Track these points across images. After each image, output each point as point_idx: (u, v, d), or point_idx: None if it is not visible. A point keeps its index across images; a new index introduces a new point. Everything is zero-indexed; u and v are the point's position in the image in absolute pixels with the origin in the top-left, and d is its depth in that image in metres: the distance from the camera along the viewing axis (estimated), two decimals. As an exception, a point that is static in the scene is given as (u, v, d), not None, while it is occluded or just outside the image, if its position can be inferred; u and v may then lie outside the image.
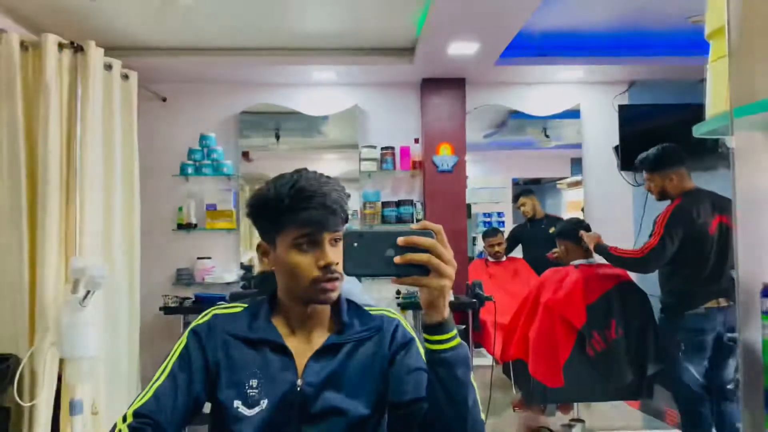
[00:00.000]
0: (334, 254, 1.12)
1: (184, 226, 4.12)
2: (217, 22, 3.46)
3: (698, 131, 0.92)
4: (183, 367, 1.14)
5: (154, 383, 1.13)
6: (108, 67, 3.09)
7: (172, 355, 1.17)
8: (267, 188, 1.16)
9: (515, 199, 4.58)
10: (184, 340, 1.18)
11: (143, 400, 1.10)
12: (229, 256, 4.22)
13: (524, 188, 4.66)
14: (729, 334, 2.81)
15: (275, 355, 1.15)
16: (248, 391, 1.12)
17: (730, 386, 2.99)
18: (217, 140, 4.18)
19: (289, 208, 1.11)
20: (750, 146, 0.82)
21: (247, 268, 4.18)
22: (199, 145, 4.14)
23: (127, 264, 3.23)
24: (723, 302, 2.90)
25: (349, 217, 1.21)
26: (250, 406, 1.11)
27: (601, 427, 3.95)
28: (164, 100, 4.22)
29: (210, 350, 1.15)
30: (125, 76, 3.29)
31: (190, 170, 4.11)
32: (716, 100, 0.85)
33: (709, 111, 0.87)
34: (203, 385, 1.14)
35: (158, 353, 3.43)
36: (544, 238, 4.16)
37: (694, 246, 2.95)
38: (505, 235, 4.52)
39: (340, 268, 1.10)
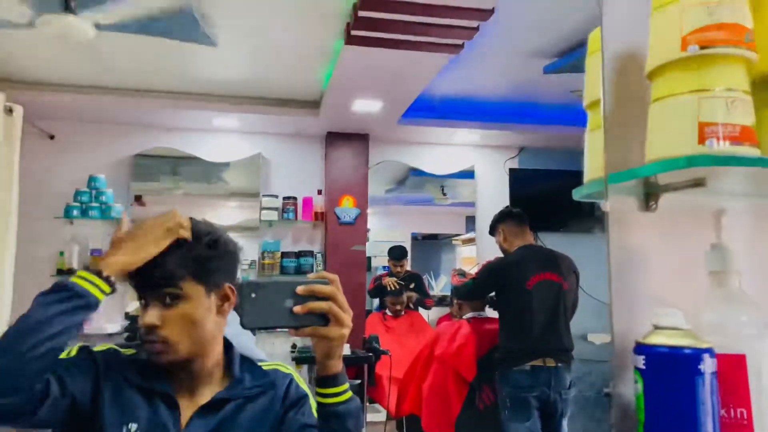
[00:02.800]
0: (158, 315, 1.05)
1: (65, 272, 3.81)
2: (116, 61, 3.32)
3: (576, 195, 0.97)
4: (70, 370, 1.04)
5: None
6: (-12, 99, 2.88)
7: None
8: None
9: (398, 257, 4.58)
10: (72, 352, 1.09)
11: None
12: (113, 306, 3.92)
13: (402, 250, 4.66)
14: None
15: (162, 406, 1.09)
16: None
17: None
18: (108, 183, 3.95)
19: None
20: (623, 210, 0.87)
21: (132, 319, 3.90)
22: (87, 187, 3.89)
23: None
24: (550, 362, 2.91)
25: (219, 271, 1.12)
26: None
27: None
28: (52, 137, 3.96)
29: (97, 377, 1.07)
30: (9, 110, 3.06)
31: (75, 212, 3.84)
32: (593, 166, 0.90)
33: (587, 176, 0.92)
34: (80, 402, 1.03)
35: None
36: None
37: (512, 298, 3.03)
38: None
39: (165, 331, 1.05)
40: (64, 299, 0.98)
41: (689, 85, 0.74)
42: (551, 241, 4.04)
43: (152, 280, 1.05)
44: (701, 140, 0.72)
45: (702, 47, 0.73)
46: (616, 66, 0.87)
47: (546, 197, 4.51)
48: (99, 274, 1.01)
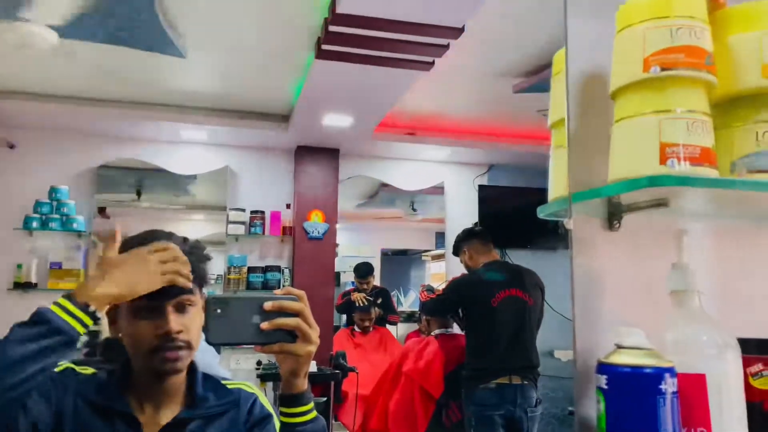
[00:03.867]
0: (179, 321, 1.04)
1: (22, 285, 3.68)
2: (80, 70, 3.25)
3: (541, 212, 0.97)
4: (30, 395, 0.95)
5: None
6: (-55, 105, 2.78)
7: None
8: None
9: (364, 275, 4.56)
10: None
11: None
12: (72, 320, 3.80)
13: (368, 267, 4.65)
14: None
15: (123, 426, 1.05)
16: None
17: None
18: (71, 194, 3.85)
19: None
20: (587, 229, 0.88)
21: (93, 334, 3.79)
22: (48, 198, 3.78)
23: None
24: (516, 379, 2.90)
25: (209, 279, 1.15)
26: None
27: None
28: (12, 147, 3.85)
29: (57, 400, 1.01)
30: (-34, 118, 2.97)
31: (35, 224, 3.72)
32: (557, 184, 0.91)
33: (551, 195, 0.93)
34: (41, 428, 0.97)
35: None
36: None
37: (477, 315, 3.04)
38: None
39: (187, 336, 1.05)
40: (45, 335, 0.90)
41: (651, 106, 0.75)
42: (519, 257, 4.07)
43: (173, 289, 1.02)
44: (663, 160, 0.72)
45: (663, 69, 0.74)
46: (581, 86, 0.88)
47: (514, 214, 4.54)
48: (85, 307, 0.93)
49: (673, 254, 0.85)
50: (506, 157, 4.57)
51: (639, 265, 0.91)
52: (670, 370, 0.76)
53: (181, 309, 1.06)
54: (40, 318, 0.91)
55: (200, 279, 1.10)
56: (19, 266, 3.71)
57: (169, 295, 1.04)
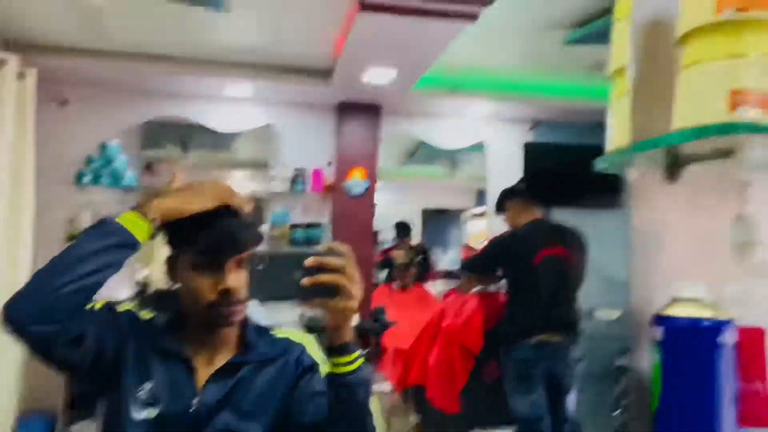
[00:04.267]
0: (237, 279, 1.09)
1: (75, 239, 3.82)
2: (128, 26, 3.28)
3: (599, 165, 0.95)
4: (98, 323, 1.07)
5: None
6: (2, 62, 2.85)
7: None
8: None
9: (403, 234, 4.61)
10: (98, 306, 1.11)
11: None
12: (123, 273, 3.93)
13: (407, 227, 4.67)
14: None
15: (179, 368, 1.11)
16: (141, 395, 1.08)
17: (567, 427, 3.03)
18: (119, 150, 3.94)
19: (192, 226, 1.07)
20: (646, 181, 0.86)
21: (142, 286, 3.94)
22: (98, 154, 3.89)
23: (11, 278, 2.94)
24: (556, 337, 2.91)
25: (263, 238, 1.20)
26: (139, 412, 1.07)
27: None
28: (64, 103, 3.95)
29: (119, 335, 1.10)
30: (21, 75, 3.05)
31: (86, 179, 3.84)
32: (617, 135, 0.88)
33: (610, 145, 0.90)
34: (105, 356, 1.07)
35: (40, 382, 3.15)
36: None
37: (518, 273, 3.04)
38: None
39: (242, 293, 1.09)
40: (108, 234, 0.99)
41: (723, 51, 0.71)
42: (564, 216, 4.00)
43: (235, 245, 1.08)
44: (733, 107, 0.70)
45: (738, 10, 0.70)
46: (645, 32, 0.85)
47: (560, 172, 4.48)
48: (143, 216, 1.02)
49: (733, 207, 0.83)
50: (553, 113, 4.46)
51: (698, 217, 0.89)
52: (730, 323, 0.75)
53: (239, 266, 1.09)
54: (104, 222, 1.01)
55: (258, 238, 1.14)
56: (72, 221, 3.85)
57: (229, 253, 1.07)
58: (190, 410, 1.08)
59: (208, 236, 1.06)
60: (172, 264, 1.15)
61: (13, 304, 0.94)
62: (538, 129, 4.66)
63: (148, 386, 1.08)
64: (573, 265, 3.04)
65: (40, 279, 0.96)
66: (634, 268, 0.84)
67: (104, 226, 1.00)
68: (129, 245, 1.01)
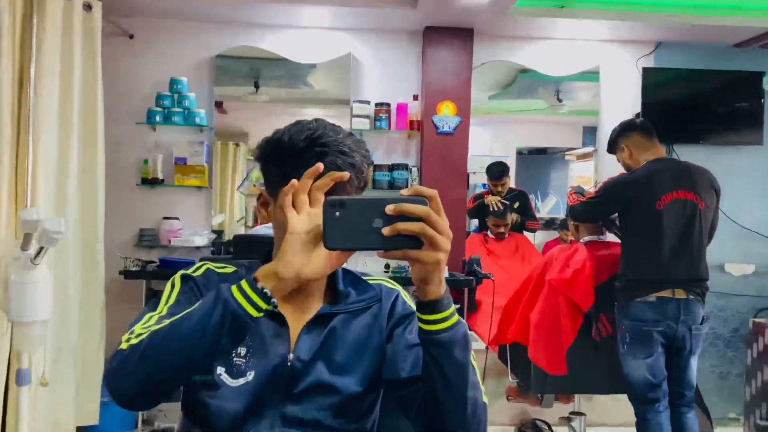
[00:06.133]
0: None
1: (150, 181, 4.00)
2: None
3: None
4: (181, 303, 1.10)
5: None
6: (68, -7, 2.97)
7: (165, 301, 1.13)
8: (282, 132, 1.13)
9: (498, 176, 4.50)
10: (177, 284, 1.15)
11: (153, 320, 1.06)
12: (199, 218, 4.11)
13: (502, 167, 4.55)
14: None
15: (269, 324, 1.13)
16: (235, 359, 1.11)
17: (689, 393, 2.94)
18: (190, 86, 4.04)
19: (302, 158, 1.07)
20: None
21: (218, 233, 4.09)
22: (169, 91, 3.99)
23: (86, 220, 3.13)
24: (680, 293, 2.83)
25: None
26: (234, 376, 1.10)
27: (598, 422, 3.97)
28: (131, 36, 4.06)
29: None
30: (88, 6, 3.15)
31: (158, 118, 3.97)
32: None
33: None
34: None
35: (116, 321, 3.38)
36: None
37: (639, 220, 2.94)
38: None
39: None
40: (222, 314, 0.97)
41: None
42: (689, 154, 3.79)
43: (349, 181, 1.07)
44: None
45: None
46: None
47: (686, 102, 4.23)
48: (261, 291, 0.97)
49: None
50: (678, 33, 4.14)
51: None
52: None
53: None
54: (219, 297, 0.98)
55: (364, 182, 1.14)
56: (145, 161, 4.02)
57: (341, 189, 1.05)
58: (288, 364, 1.11)
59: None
60: (266, 198, 1.17)
61: (117, 387, 1.01)
62: (660, 51, 4.38)
63: (240, 350, 1.10)
64: (702, 211, 2.91)
65: (145, 360, 0.97)
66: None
67: (217, 303, 0.97)
68: (242, 324, 0.98)
